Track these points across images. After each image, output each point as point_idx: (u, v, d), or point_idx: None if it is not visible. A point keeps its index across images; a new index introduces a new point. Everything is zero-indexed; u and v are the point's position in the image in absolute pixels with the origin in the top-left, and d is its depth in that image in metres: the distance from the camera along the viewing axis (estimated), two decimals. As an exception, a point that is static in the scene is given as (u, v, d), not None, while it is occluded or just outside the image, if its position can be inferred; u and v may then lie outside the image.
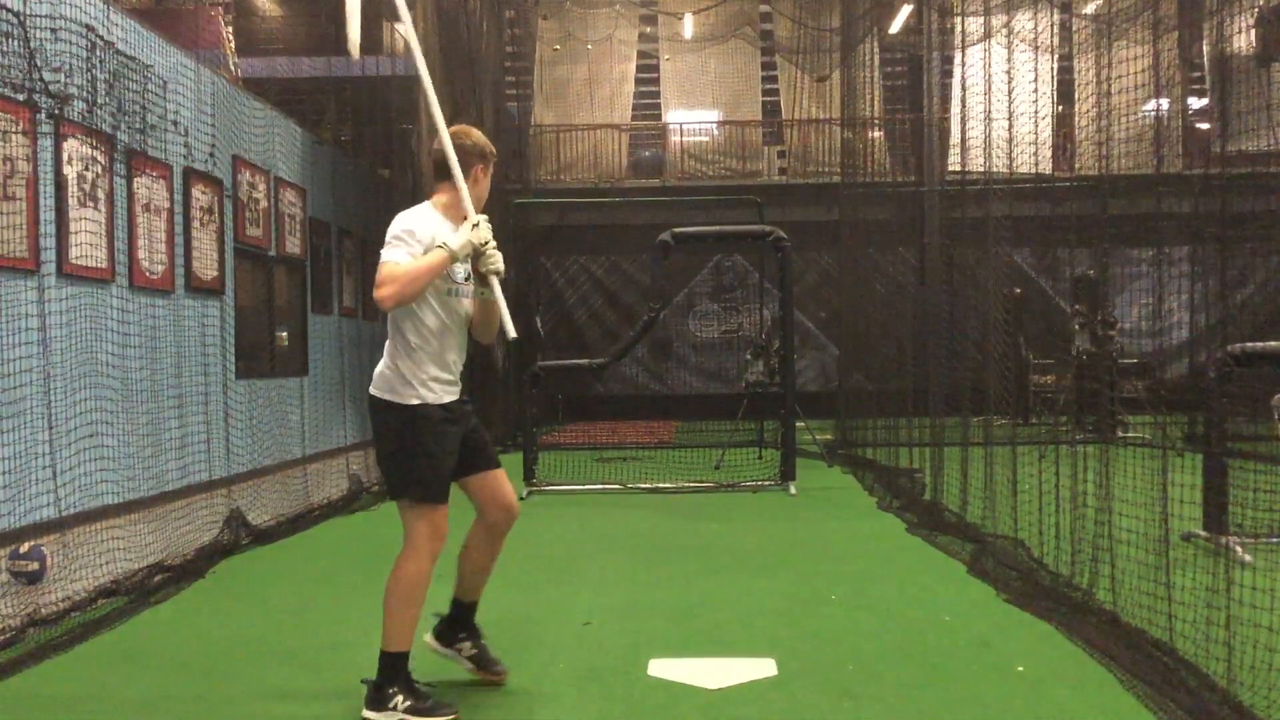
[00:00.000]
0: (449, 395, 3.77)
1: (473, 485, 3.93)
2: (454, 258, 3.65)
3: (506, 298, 3.87)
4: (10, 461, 6.75)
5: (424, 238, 3.65)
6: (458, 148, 3.81)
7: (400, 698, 3.65)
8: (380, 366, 3.79)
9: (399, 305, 3.61)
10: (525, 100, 19.54)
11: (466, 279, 3.78)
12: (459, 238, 3.66)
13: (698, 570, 6.27)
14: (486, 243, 3.69)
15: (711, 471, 10.90)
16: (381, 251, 3.66)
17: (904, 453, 10.41)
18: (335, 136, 15.43)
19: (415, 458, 3.68)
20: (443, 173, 3.84)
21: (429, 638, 4.08)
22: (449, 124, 3.93)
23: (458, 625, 4.08)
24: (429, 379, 3.71)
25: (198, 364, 9.53)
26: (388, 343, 3.80)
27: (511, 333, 3.85)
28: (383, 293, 3.53)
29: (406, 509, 3.71)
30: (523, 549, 5.33)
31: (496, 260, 3.71)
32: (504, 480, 4.00)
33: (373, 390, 3.77)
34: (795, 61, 19.37)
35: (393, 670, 3.67)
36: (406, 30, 4.23)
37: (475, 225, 3.70)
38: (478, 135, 3.96)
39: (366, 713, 3.66)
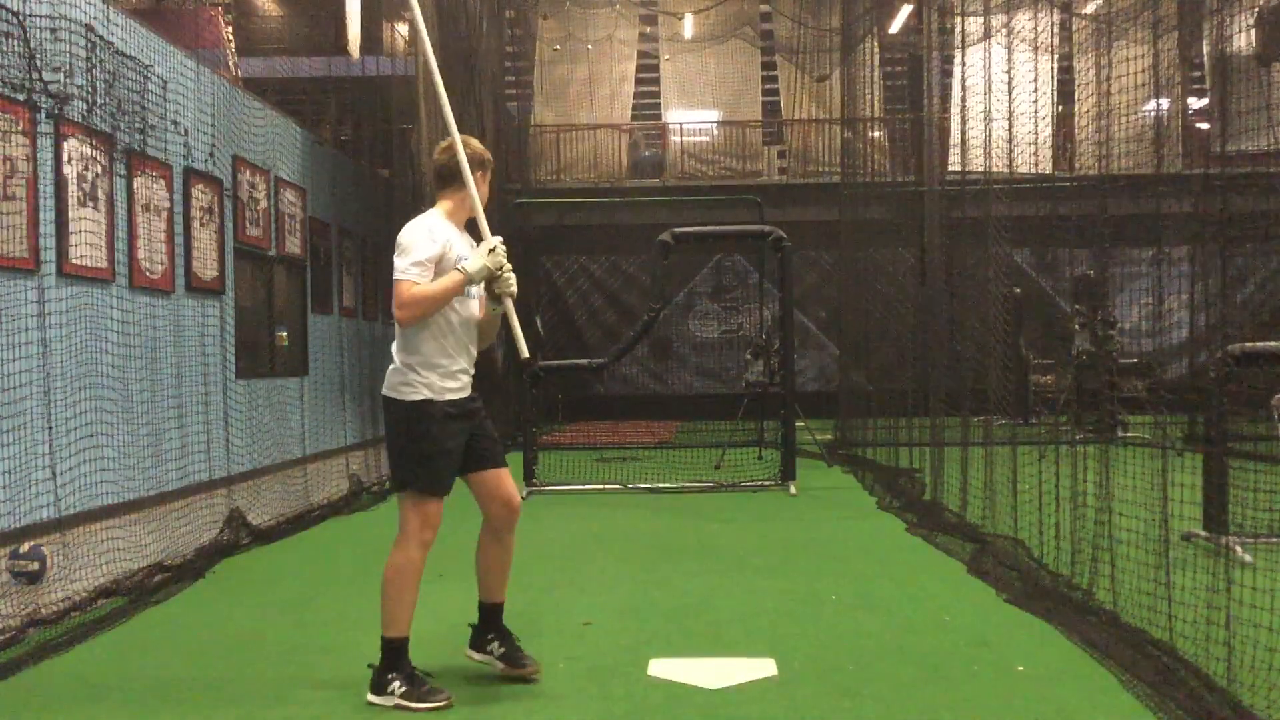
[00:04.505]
0: (453, 393, 3.89)
1: (474, 481, 4.07)
2: (470, 280, 3.81)
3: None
4: (10, 461, 6.75)
5: (439, 241, 3.84)
6: (448, 166, 3.97)
7: (397, 684, 3.81)
8: (391, 366, 3.92)
9: (417, 323, 3.79)
10: (525, 100, 19.53)
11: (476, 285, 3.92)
12: (476, 261, 3.82)
13: (698, 570, 6.27)
14: (502, 267, 3.83)
15: (711, 471, 10.90)
16: (395, 262, 3.80)
17: (904, 453, 10.40)
18: (335, 136, 15.44)
19: (416, 451, 3.83)
20: (444, 181, 4.01)
21: (467, 649, 4.19)
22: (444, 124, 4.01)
23: (486, 628, 4.17)
24: (433, 376, 3.85)
25: (197, 364, 9.53)
26: (395, 341, 3.93)
27: (524, 352, 3.97)
28: (403, 315, 3.75)
29: (404, 499, 3.89)
30: (523, 549, 5.32)
31: (510, 284, 3.86)
32: (504, 477, 4.10)
33: (384, 389, 3.93)
34: (795, 61, 19.35)
35: (392, 655, 3.85)
36: (419, 31, 4.27)
37: (492, 250, 3.83)
38: (476, 144, 4.09)
39: (370, 696, 3.85)
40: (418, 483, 3.85)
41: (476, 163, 4.02)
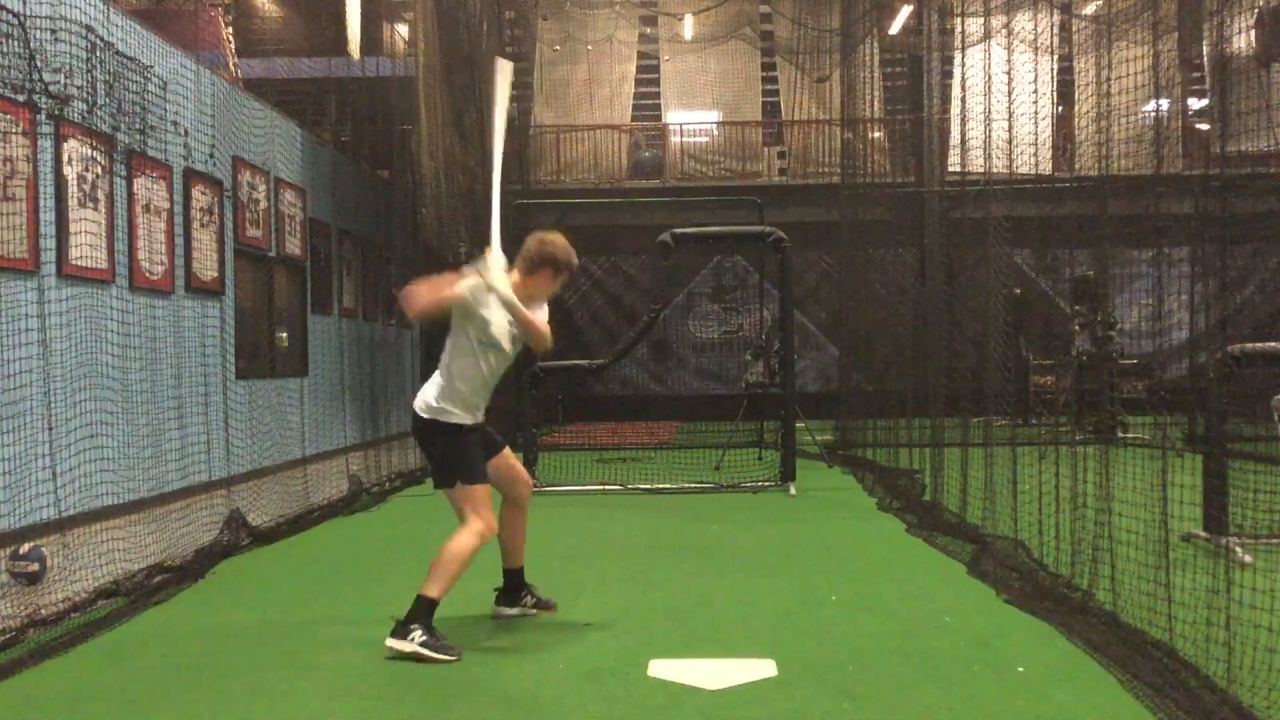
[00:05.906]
0: (471, 420, 4.81)
1: (491, 467, 4.86)
2: (470, 288, 4.62)
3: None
4: (10, 462, 6.75)
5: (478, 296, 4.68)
6: (538, 253, 4.81)
7: (418, 633, 4.45)
8: (428, 398, 4.76)
9: (420, 312, 4.79)
10: (525, 101, 19.54)
11: (510, 341, 4.76)
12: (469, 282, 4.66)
13: (698, 571, 6.27)
14: (479, 277, 4.64)
15: (711, 472, 10.90)
16: None
17: (904, 453, 10.40)
18: (335, 137, 15.42)
19: (457, 455, 4.73)
20: (520, 262, 4.81)
21: (497, 607, 5.13)
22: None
23: (516, 588, 5.15)
24: (461, 408, 4.75)
25: (197, 365, 9.53)
26: (438, 384, 4.77)
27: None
28: (409, 309, 4.73)
29: (455, 494, 4.70)
30: (523, 549, 5.34)
31: (486, 274, 4.64)
32: (512, 458, 5.07)
33: (425, 415, 4.75)
34: (795, 62, 19.37)
35: (421, 610, 4.50)
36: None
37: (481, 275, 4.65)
38: (567, 247, 4.87)
39: (389, 641, 4.45)
40: (465, 475, 4.69)
41: (550, 261, 4.82)
